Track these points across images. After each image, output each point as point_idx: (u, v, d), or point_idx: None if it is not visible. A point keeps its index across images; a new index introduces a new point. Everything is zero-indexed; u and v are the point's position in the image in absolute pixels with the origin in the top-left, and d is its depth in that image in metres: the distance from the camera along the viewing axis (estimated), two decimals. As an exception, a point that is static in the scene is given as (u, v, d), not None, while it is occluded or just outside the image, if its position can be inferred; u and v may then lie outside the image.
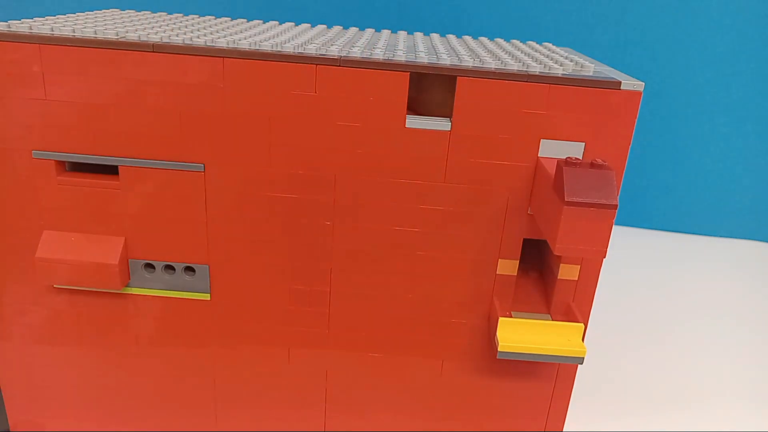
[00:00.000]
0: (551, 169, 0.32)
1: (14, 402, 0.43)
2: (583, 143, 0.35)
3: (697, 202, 0.85)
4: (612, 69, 0.38)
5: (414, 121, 0.35)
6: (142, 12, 0.49)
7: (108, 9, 0.49)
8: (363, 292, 0.39)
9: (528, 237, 0.37)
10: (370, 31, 0.48)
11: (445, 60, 0.35)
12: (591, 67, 0.36)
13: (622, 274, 0.73)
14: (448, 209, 0.37)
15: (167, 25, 0.41)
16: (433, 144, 0.35)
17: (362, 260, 0.38)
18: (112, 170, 0.37)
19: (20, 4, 0.79)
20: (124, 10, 0.49)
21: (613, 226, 0.30)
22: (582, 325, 0.36)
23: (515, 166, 0.35)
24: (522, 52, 0.41)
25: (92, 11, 0.46)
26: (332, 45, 0.37)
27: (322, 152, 0.35)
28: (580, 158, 0.32)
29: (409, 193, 0.36)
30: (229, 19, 0.49)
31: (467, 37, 0.48)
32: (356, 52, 0.35)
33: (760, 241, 0.86)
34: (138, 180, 0.36)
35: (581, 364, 0.36)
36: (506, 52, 0.41)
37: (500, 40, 0.48)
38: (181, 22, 0.44)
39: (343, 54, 0.35)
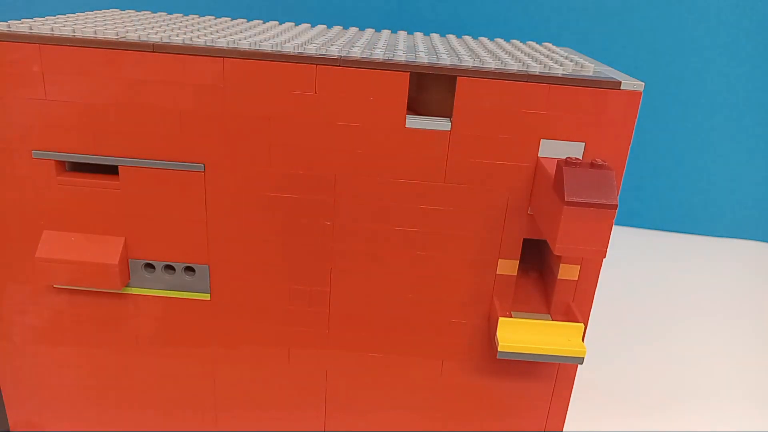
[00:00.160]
0: (551, 169, 0.32)
1: (14, 402, 0.43)
2: (583, 143, 0.35)
3: (697, 202, 0.85)
4: (612, 69, 0.38)
5: (414, 121, 0.35)
6: (142, 12, 0.49)
7: (108, 9, 0.49)
8: (363, 292, 0.39)
9: (528, 237, 0.37)
10: (370, 31, 0.48)
11: (445, 60, 0.35)
12: (591, 67, 0.36)
13: (622, 274, 0.73)
14: (448, 209, 0.37)
15: (167, 25, 0.41)
16: (433, 144, 0.35)
17: (362, 260, 0.38)
18: (112, 170, 0.37)
19: (20, 4, 0.79)
20: (124, 10, 0.49)
21: (613, 226, 0.30)
22: (582, 325, 0.36)
23: (515, 166, 0.35)
24: (522, 52, 0.41)
25: (92, 11, 0.46)
26: (332, 45, 0.37)
27: (322, 152, 0.35)
28: (580, 158, 0.32)
29: (409, 193, 0.36)
30: (229, 19, 0.49)
31: (467, 37, 0.48)
32: (356, 52, 0.35)
33: (760, 241, 0.86)
34: (138, 180, 0.36)
35: (581, 364, 0.36)
36: (506, 52, 0.41)
37: (500, 40, 0.48)
38: (181, 22, 0.44)
39: (343, 54, 0.35)
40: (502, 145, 0.35)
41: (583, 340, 0.37)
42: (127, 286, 0.39)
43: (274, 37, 0.39)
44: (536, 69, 0.35)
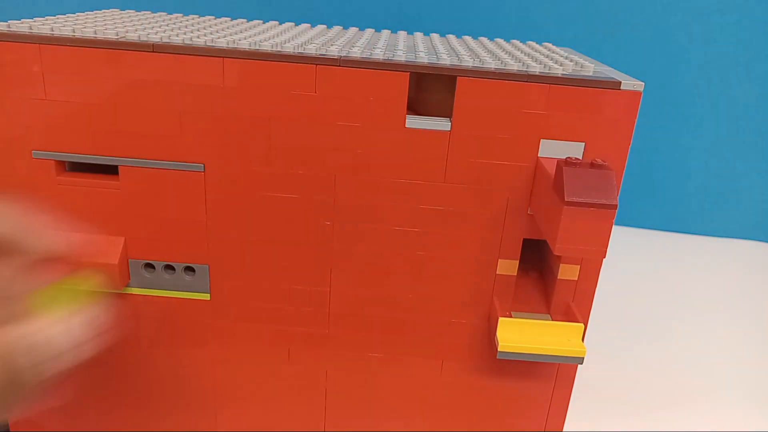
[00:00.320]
0: (551, 169, 0.32)
1: (14, 402, 0.43)
2: (583, 143, 0.35)
3: (697, 202, 0.85)
4: (612, 69, 0.38)
5: (414, 121, 0.35)
6: (142, 12, 0.49)
7: (108, 9, 0.49)
8: (363, 292, 0.39)
9: (528, 237, 0.37)
10: (370, 31, 0.48)
11: (445, 60, 0.35)
12: (591, 67, 0.36)
13: (622, 274, 0.73)
14: (448, 209, 0.37)
15: (167, 25, 0.41)
16: (433, 144, 0.35)
17: (362, 260, 0.38)
18: (112, 170, 0.37)
19: (20, 4, 0.79)
20: (124, 10, 0.49)
21: (613, 226, 0.30)
22: (582, 325, 0.36)
23: (515, 166, 0.35)
24: (522, 52, 0.41)
25: (92, 11, 0.46)
26: (332, 45, 0.37)
27: (322, 152, 0.35)
28: (580, 158, 0.32)
29: (409, 193, 0.36)
30: (229, 19, 0.49)
31: (467, 37, 0.48)
32: (356, 52, 0.35)
33: (760, 241, 0.86)
34: (138, 180, 0.36)
35: (581, 364, 0.36)
36: (506, 52, 0.41)
37: (500, 40, 0.48)
38: (181, 22, 0.44)
39: (343, 54, 0.34)
40: (502, 145, 0.35)
41: (583, 340, 0.37)
42: (127, 286, 0.39)
43: (274, 37, 0.39)
44: (536, 69, 0.35)
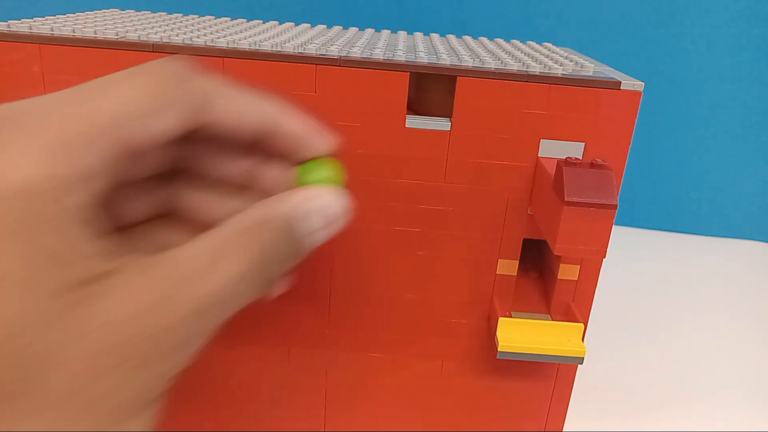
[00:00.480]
0: (551, 169, 0.32)
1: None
2: (583, 143, 0.35)
3: (697, 202, 0.85)
4: (612, 69, 0.38)
5: (414, 121, 0.35)
6: (142, 12, 0.49)
7: (108, 9, 0.49)
8: (363, 292, 0.39)
9: (528, 237, 0.37)
10: (370, 31, 0.48)
11: (445, 60, 0.35)
12: (591, 67, 0.36)
13: (622, 274, 0.73)
14: (448, 209, 0.37)
15: (167, 25, 0.41)
16: (433, 144, 0.35)
17: (362, 260, 0.38)
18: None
19: (20, 4, 0.79)
20: (124, 10, 0.49)
21: (613, 226, 0.30)
22: (582, 325, 0.36)
23: (515, 166, 0.35)
24: (522, 52, 0.41)
25: (92, 11, 0.46)
26: (332, 45, 0.37)
27: (322, 152, 0.35)
28: (580, 158, 0.32)
29: (409, 193, 0.36)
30: (229, 19, 0.49)
31: (467, 37, 0.48)
32: (356, 52, 0.35)
33: (760, 241, 0.86)
34: (138, 180, 0.36)
35: (581, 364, 0.36)
36: (506, 52, 0.41)
37: (500, 40, 0.48)
38: (181, 22, 0.44)
39: (343, 54, 0.35)
40: (502, 145, 0.35)
41: (583, 340, 0.37)
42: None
43: (274, 37, 0.39)
44: (536, 69, 0.35)
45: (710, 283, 0.74)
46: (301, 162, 0.28)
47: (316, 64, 0.34)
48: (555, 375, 0.40)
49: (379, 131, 0.35)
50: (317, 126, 0.27)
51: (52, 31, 0.35)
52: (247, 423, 0.43)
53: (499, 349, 0.36)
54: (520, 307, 0.39)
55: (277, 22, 0.48)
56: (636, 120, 0.34)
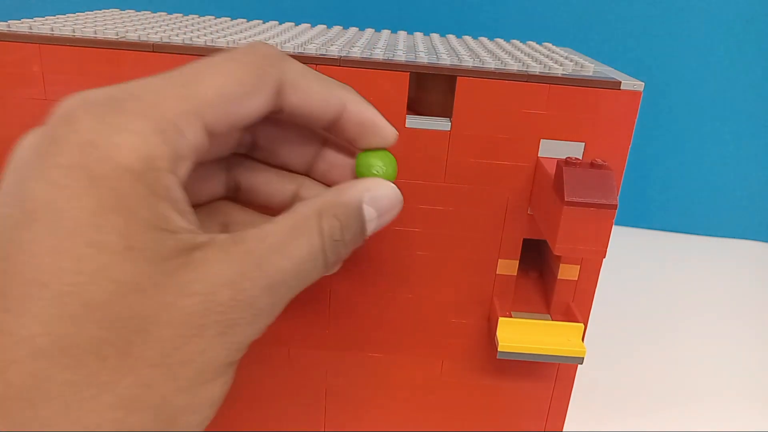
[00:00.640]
0: (551, 169, 0.32)
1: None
2: (583, 143, 0.35)
3: (697, 202, 0.85)
4: (612, 69, 0.38)
5: (414, 121, 0.35)
6: (142, 12, 0.49)
7: (108, 9, 0.49)
8: (363, 291, 0.39)
9: (528, 237, 0.37)
10: (370, 31, 0.48)
11: (445, 60, 0.35)
12: (591, 67, 0.36)
13: (622, 274, 0.73)
14: (448, 209, 0.37)
15: (167, 25, 0.41)
16: (433, 144, 0.35)
17: (362, 260, 0.38)
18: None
19: (20, 4, 0.79)
20: (124, 10, 0.49)
21: (613, 226, 0.30)
22: (582, 325, 0.36)
23: (515, 166, 0.35)
24: (522, 52, 0.41)
25: (92, 11, 0.46)
26: (332, 45, 0.37)
27: (322, 152, 0.35)
28: (580, 158, 0.32)
29: (409, 193, 0.36)
30: (229, 19, 0.49)
31: (467, 37, 0.48)
32: (356, 52, 0.35)
33: (760, 241, 0.86)
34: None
35: (581, 364, 0.36)
36: (506, 52, 0.41)
37: (500, 40, 0.48)
38: (181, 22, 0.44)
39: (343, 54, 0.35)
40: (502, 145, 0.35)
41: (583, 340, 0.37)
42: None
43: (274, 37, 0.39)
44: (536, 69, 0.35)
45: (710, 283, 0.74)
46: (363, 150, 0.29)
47: (316, 64, 0.34)
48: (555, 375, 0.40)
49: (379, 131, 0.35)
50: (382, 117, 0.28)
51: (52, 31, 0.35)
52: (247, 423, 0.43)
53: (499, 349, 0.36)
54: (520, 307, 0.39)
55: (277, 22, 0.48)
56: (636, 120, 0.34)
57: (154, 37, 0.35)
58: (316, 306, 0.39)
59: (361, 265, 0.38)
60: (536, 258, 0.42)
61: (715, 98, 0.79)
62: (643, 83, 0.34)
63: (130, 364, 0.21)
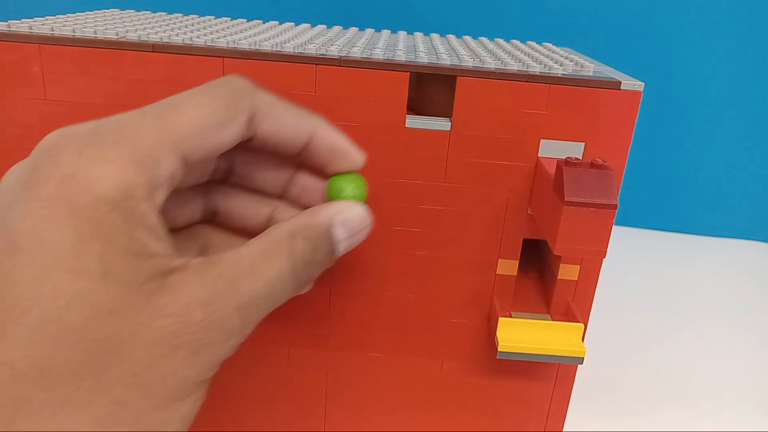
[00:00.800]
0: (551, 169, 0.32)
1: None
2: (583, 143, 0.35)
3: (697, 202, 0.85)
4: (612, 69, 0.38)
5: (414, 121, 0.35)
6: (142, 12, 0.49)
7: (108, 9, 0.49)
8: (363, 292, 0.39)
9: (528, 237, 0.37)
10: (370, 31, 0.48)
11: (445, 60, 0.35)
12: (591, 67, 0.36)
13: (622, 274, 0.73)
14: (448, 209, 0.37)
15: (167, 25, 0.41)
16: (433, 144, 0.35)
17: (362, 260, 0.38)
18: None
19: (20, 4, 0.79)
20: (124, 10, 0.49)
21: (613, 226, 0.30)
22: (582, 325, 0.36)
23: (515, 166, 0.35)
24: (522, 52, 0.41)
25: (92, 11, 0.46)
26: (332, 45, 0.37)
27: (322, 152, 0.35)
28: (580, 158, 0.32)
29: (409, 193, 0.36)
30: (229, 19, 0.49)
31: (467, 37, 0.48)
32: (356, 52, 0.35)
33: (760, 241, 0.86)
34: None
35: (581, 364, 0.36)
36: (506, 52, 0.41)
37: (500, 40, 0.48)
38: (181, 22, 0.44)
39: (343, 54, 0.35)
40: (502, 145, 0.35)
41: (583, 340, 0.37)
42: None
43: (274, 37, 0.39)
44: (536, 69, 0.35)
45: (710, 283, 0.74)
46: (333, 174, 0.30)
47: (316, 64, 0.34)
48: (555, 375, 0.40)
49: (379, 131, 0.35)
50: (350, 142, 0.30)
51: (52, 31, 0.35)
52: (247, 423, 0.43)
53: (499, 349, 0.36)
54: (520, 307, 0.39)
55: (277, 22, 0.48)
56: (636, 120, 0.34)
57: (154, 37, 0.35)
58: (316, 306, 0.39)
59: (361, 265, 0.38)
60: (536, 258, 0.42)
61: (716, 98, 0.79)
62: (643, 83, 0.34)
63: (105, 384, 0.22)
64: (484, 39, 0.48)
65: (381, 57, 0.35)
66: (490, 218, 0.37)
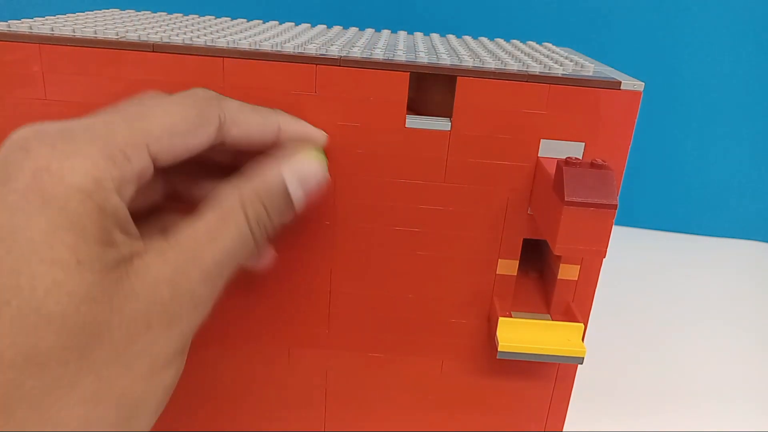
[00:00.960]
0: (551, 169, 0.32)
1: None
2: (583, 143, 0.35)
3: (697, 202, 0.85)
4: (612, 69, 0.38)
5: (414, 121, 0.35)
6: (142, 12, 0.49)
7: (108, 9, 0.49)
8: (363, 292, 0.39)
9: (528, 237, 0.37)
10: (370, 31, 0.48)
11: (445, 60, 0.35)
12: (591, 67, 0.36)
13: (622, 274, 0.73)
14: (448, 209, 0.37)
15: (167, 25, 0.41)
16: (433, 144, 0.35)
17: (362, 260, 0.38)
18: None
19: (20, 4, 0.79)
20: (124, 10, 0.49)
21: (613, 226, 0.30)
22: (582, 325, 0.36)
23: (515, 166, 0.35)
24: (522, 52, 0.41)
25: (92, 11, 0.46)
26: (332, 45, 0.37)
27: (322, 152, 0.35)
28: (580, 158, 0.32)
29: (409, 193, 0.36)
30: (229, 19, 0.49)
31: (467, 37, 0.48)
32: (356, 52, 0.35)
33: (760, 241, 0.86)
34: (138, 180, 0.36)
35: (581, 364, 0.36)
36: (506, 52, 0.41)
37: (500, 40, 0.48)
38: (181, 22, 0.44)
39: (343, 54, 0.35)
40: (502, 145, 0.35)
41: (583, 340, 0.37)
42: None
43: (274, 37, 0.39)
44: (536, 69, 0.35)
45: (710, 283, 0.74)
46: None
47: (316, 64, 0.34)
48: (555, 375, 0.40)
49: (379, 131, 0.35)
50: (311, 126, 0.33)
51: (52, 31, 0.35)
52: (247, 423, 0.43)
53: (499, 349, 0.36)
54: (520, 307, 0.39)
55: (277, 22, 0.48)
56: (636, 120, 0.34)
57: (154, 37, 0.35)
58: (316, 306, 0.39)
59: (360, 265, 0.38)
60: (536, 258, 0.42)
61: (716, 98, 0.79)
62: (643, 83, 0.34)
63: (89, 365, 0.23)
64: (484, 39, 0.48)
65: (381, 57, 0.35)
66: (490, 218, 0.37)
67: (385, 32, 0.48)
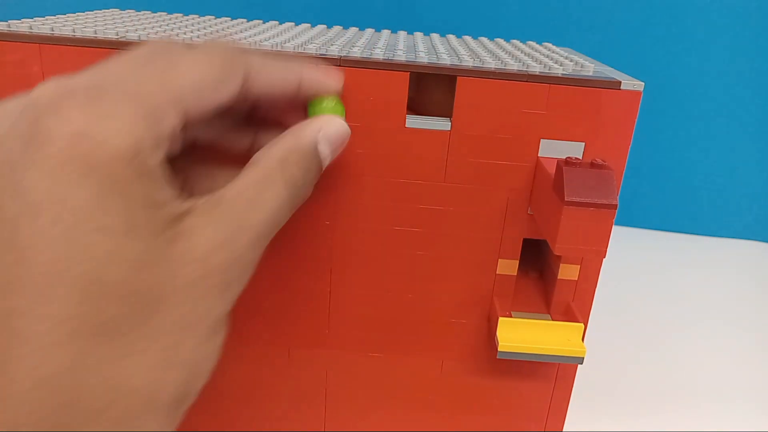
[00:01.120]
0: (551, 169, 0.32)
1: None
2: (583, 143, 0.35)
3: (697, 202, 0.85)
4: (612, 69, 0.38)
5: (414, 121, 0.35)
6: (142, 12, 0.49)
7: (108, 9, 0.49)
8: (363, 291, 0.39)
9: (528, 237, 0.37)
10: (370, 31, 0.48)
11: (445, 60, 0.35)
12: (591, 67, 0.36)
13: (622, 274, 0.73)
14: (448, 209, 0.37)
15: (167, 25, 0.41)
16: (433, 144, 0.35)
17: (362, 260, 0.38)
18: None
19: (20, 4, 0.79)
20: (124, 10, 0.49)
21: (613, 226, 0.30)
22: (582, 325, 0.36)
23: (515, 166, 0.35)
24: (522, 52, 0.41)
25: (92, 11, 0.46)
26: (332, 45, 0.37)
27: (322, 152, 0.35)
28: (580, 158, 0.32)
29: (409, 193, 0.36)
30: (229, 19, 0.49)
31: (467, 37, 0.48)
32: (356, 52, 0.35)
33: (760, 241, 0.86)
34: (138, 180, 0.36)
35: (581, 364, 0.36)
36: (506, 52, 0.41)
37: (500, 40, 0.48)
38: (181, 22, 0.44)
39: (343, 54, 0.35)
40: (502, 145, 0.35)
41: (583, 340, 0.37)
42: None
43: (274, 37, 0.39)
44: (536, 69, 0.35)
45: (710, 283, 0.74)
46: (311, 99, 0.32)
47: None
48: (555, 375, 0.40)
49: (379, 131, 0.35)
50: (330, 71, 0.32)
51: (52, 31, 0.35)
52: (247, 423, 0.43)
53: (499, 349, 0.36)
54: (520, 307, 0.39)
55: (277, 22, 0.48)
56: (636, 120, 0.34)
57: (154, 37, 0.35)
58: (316, 306, 0.39)
59: (360, 265, 0.38)
60: (536, 258, 0.42)
61: (715, 98, 0.79)
62: (643, 83, 0.34)
63: (154, 332, 0.23)
64: (484, 39, 0.48)
65: (381, 57, 0.35)
66: (490, 218, 0.37)
67: (385, 32, 0.48)
